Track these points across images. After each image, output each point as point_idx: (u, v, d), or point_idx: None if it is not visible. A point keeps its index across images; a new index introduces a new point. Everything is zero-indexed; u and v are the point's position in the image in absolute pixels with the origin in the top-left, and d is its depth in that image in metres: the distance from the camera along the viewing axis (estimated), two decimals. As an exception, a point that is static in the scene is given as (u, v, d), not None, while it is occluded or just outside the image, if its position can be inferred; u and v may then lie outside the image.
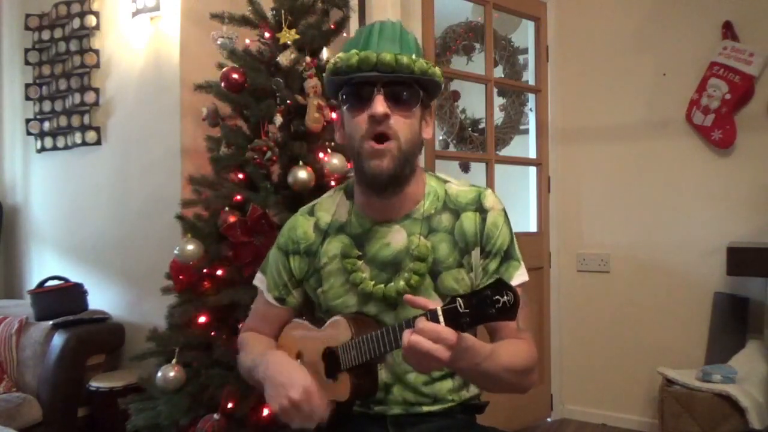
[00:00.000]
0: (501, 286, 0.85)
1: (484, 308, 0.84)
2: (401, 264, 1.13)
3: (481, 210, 1.15)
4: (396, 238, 1.14)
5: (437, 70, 1.08)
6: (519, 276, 1.15)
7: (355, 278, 1.13)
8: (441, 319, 0.87)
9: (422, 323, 0.88)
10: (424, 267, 1.11)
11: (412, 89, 1.06)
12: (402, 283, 1.10)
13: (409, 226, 1.14)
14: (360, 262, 1.14)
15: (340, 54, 1.07)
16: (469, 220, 1.14)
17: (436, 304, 0.90)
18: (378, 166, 1.04)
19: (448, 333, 0.87)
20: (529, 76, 3.29)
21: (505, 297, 0.84)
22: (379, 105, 1.03)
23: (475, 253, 1.14)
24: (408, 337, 0.88)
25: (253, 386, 1.24)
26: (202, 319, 1.92)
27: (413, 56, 1.05)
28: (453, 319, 0.87)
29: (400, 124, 1.05)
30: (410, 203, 1.15)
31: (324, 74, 1.14)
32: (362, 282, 1.12)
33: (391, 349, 0.98)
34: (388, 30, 1.07)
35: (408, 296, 0.95)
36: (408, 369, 1.12)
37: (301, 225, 1.22)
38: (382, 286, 1.12)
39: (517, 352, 1.07)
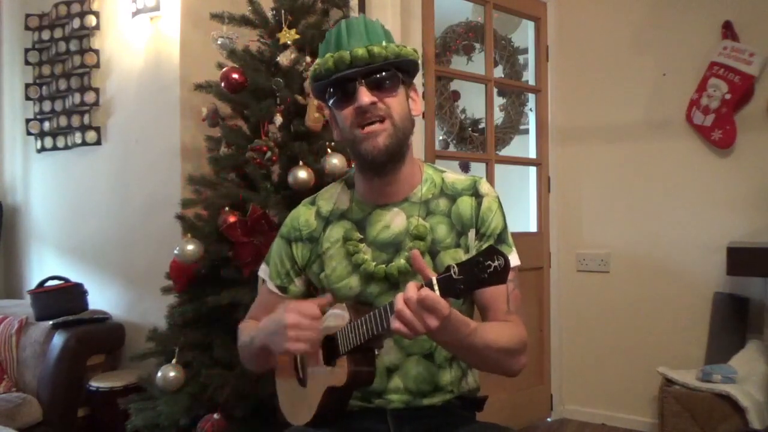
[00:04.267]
0: (492, 251, 0.88)
1: (477, 273, 0.88)
2: (401, 244, 1.17)
3: (477, 195, 1.21)
4: (395, 221, 1.19)
5: (409, 50, 1.14)
6: (511, 259, 1.16)
7: (357, 259, 1.17)
8: (436, 288, 0.90)
9: (417, 287, 0.91)
10: (423, 245, 1.15)
11: (390, 73, 1.12)
12: (402, 261, 1.15)
13: (408, 208, 1.19)
14: (362, 245, 1.19)
15: (318, 60, 1.15)
16: (465, 204, 1.20)
17: (433, 274, 0.93)
18: (374, 146, 1.10)
19: (442, 302, 0.90)
20: (529, 76, 3.29)
21: (496, 261, 0.87)
22: (364, 96, 1.09)
23: (471, 235, 1.19)
24: (401, 299, 0.91)
25: (252, 374, 1.25)
26: (204, 320, 1.92)
27: (384, 43, 1.11)
28: (448, 286, 0.90)
29: (390, 104, 1.12)
30: (408, 187, 1.20)
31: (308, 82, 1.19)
32: (364, 263, 1.16)
33: (388, 327, 0.98)
34: (354, 26, 1.13)
35: (415, 252, 0.98)
36: (413, 344, 1.16)
37: (302, 214, 1.27)
38: (384, 265, 1.16)
39: (504, 331, 1.09)
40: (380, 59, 1.09)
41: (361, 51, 1.08)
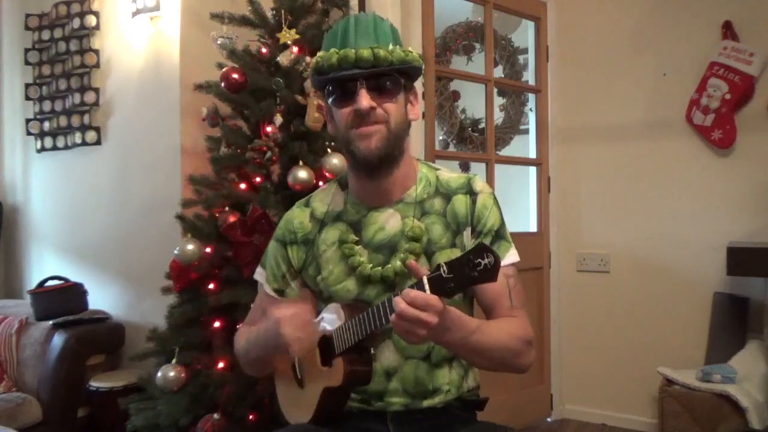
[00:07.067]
0: (482, 249, 0.88)
1: (467, 271, 0.88)
2: (397, 246, 1.17)
3: (471, 192, 1.21)
4: (390, 222, 1.19)
5: (415, 55, 1.13)
6: (510, 256, 1.18)
7: (353, 262, 1.17)
8: (426, 287, 0.91)
9: (409, 292, 0.91)
10: (419, 247, 1.15)
11: (392, 78, 1.11)
12: (398, 263, 1.15)
13: (403, 209, 1.19)
14: (357, 247, 1.18)
15: (321, 53, 1.13)
16: (460, 202, 1.20)
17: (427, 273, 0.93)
18: (367, 147, 1.10)
19: (434, 299, 0.91)
20: (529, 76, 3.29)
21: (486, 259, 0.87)
22: (364, 100, 1.08)
23: (467, 233, 1.19)
24: (396, 306, 0.91)
25: (252, 376, 1.28)
26: (204, 320, 1.92)
27: (390, 47, 1.10)
28: (438, 285, 0.90)
29: (389, 109, 1.11)
30: (403, 188, 1.20)
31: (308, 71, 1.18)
32: (360, 265, 1.16)
33: (381, 325, 0.99)
34: (363, 24, 1.11)
35: (411, 262, 0.99)
36: (411, 347, 1.15)
37: (297, 216, 1.26)
38: (380, 268, 1.16)
39: (508, 328, 1.09)
40: (385, 63, 1.08)
41: (366, 52, 1.07)
